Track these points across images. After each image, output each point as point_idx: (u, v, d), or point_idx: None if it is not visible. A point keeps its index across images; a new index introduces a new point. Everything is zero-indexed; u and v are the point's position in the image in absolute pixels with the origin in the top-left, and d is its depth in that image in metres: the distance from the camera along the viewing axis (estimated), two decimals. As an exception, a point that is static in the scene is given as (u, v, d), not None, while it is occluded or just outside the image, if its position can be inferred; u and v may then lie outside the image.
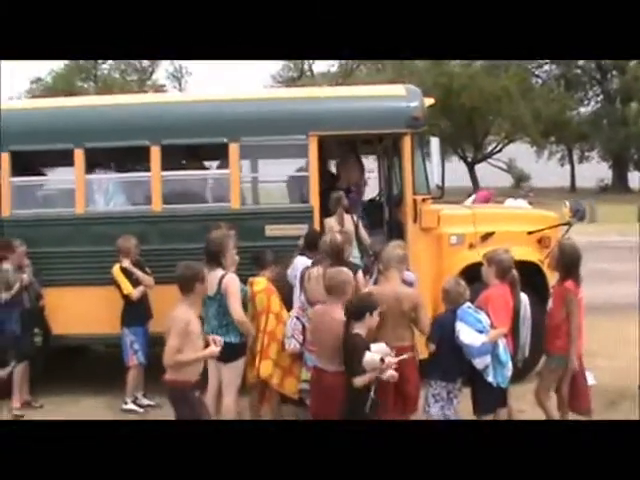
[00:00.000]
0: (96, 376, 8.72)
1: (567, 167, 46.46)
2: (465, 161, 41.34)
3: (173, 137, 8.45)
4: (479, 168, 41.54)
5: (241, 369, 6.75)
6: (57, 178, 9.19)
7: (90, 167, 8.84)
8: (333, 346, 5.94)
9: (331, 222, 8.12)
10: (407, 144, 8.38)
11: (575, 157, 46.44)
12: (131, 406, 8.13)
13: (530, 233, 8.83)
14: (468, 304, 6.52)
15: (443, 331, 6.39)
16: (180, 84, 56.57)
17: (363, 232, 8.39)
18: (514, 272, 6.70)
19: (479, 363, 6.25)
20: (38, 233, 8.51)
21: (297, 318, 6.90)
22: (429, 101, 8.72)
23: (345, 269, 6.31)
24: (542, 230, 8.87)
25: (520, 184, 13.43)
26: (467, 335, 6.22)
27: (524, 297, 6.85)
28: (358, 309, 5.81)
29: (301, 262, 7.27)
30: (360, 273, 6.93)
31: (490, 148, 42.55)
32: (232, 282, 6.67)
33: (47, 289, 8.50)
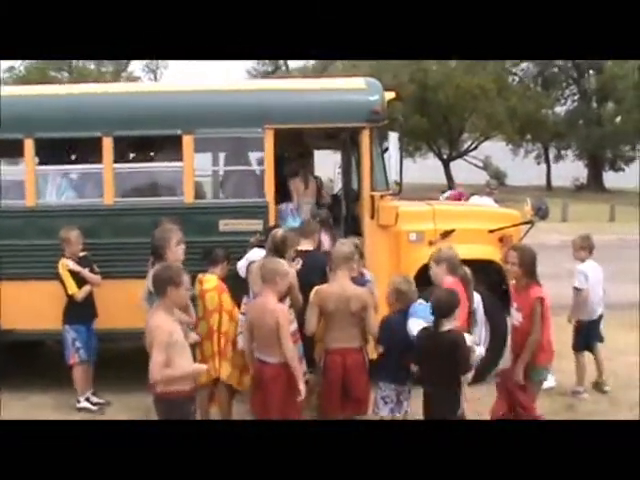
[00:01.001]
0: (45, 373, 8.46)
1: (543, 165, 46.52)
2: (440, 158, 41.24)
3: (126, 129, 8.22)
4: (455, 165, 41.48)
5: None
6: (6, 169, 8.89)
7: (42, 158, 8.63)
8: (270, 337, 5.89)
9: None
10: (366, 139, 8.19)
11: (551, 156, 46.49)
12: (85, 404, 7.97)
13: (491, 231, 8.66)
14: (420, 301, 6.37)
15: (392, 332, 6.22)
16: (155, 76, 56.01)
17: None
18: (466, 270, 6.52)
19: None
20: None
21: (243, 314, 6.74)
22: (390, 95, 8.51)
23: (280, 260, 6.27)
24: (503, 228, 8.69)
25: (487, 181, 13.33)
26: (417, 327, 5.99)
27: (477, 297, 6.67)
28: (448, 306, 5.69)
29: (251, 255, 7.11)
30: (371, 285, 6.83)
31: (466, 145, 42.49)
32: None
33: (-4, 283, 8.28)
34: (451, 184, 38.10)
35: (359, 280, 6.83)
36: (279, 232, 6.89)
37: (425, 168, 43.66)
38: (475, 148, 41.88)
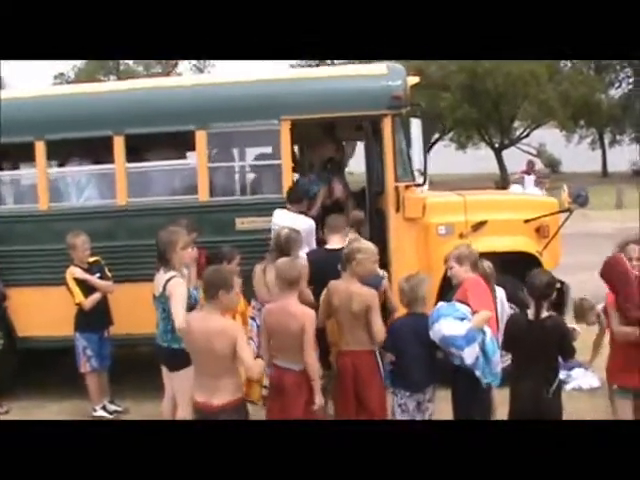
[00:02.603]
0: (65, 380, 8.20)
1: (598, 151, 45.31)
2: (492, 147, 40.37)
3: (137, 126, 7.90)
4: (507, 154, 40.59)
5: (191, 377, 6.17)
6: (18, 173, 8.69)
7: (55, 160, 8.39)
8: (294, 344, 5.51)
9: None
10: (388, 127, 7.73)
11: (606, 141, 45.21)
12: (100, 412, 7.73)
13: (527, 221, 8.12)
14: (440, 303, 5.91)
15: (399, 339, 5.79)
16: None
17: None
18: (487, 264, 6.06)
19: (468, 355, 5.44)
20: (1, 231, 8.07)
21: (252, 319, 6.39)
22: (413, 80, 8.03)
23: (298, 260, 5.95)
24: (540, 218, 8.14)
25: (534, 169, 12.71)
26: (447, 327, 5.47)
27: (500, 291, 6.22)
28: (548, 288, 5.25)
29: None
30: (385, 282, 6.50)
31: (518, 133, 41.53)
32: (176, 286, 6.12)
33: (11, 289, 8.07)
34: (503, 174, 37.43)
35: (372, 279, 6.41)
36: (284, 231, 6.55)
37: (476, 159, 43.03)
38: (527, 136, 40.86)
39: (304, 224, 7.34)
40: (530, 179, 11.74)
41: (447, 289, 6.63)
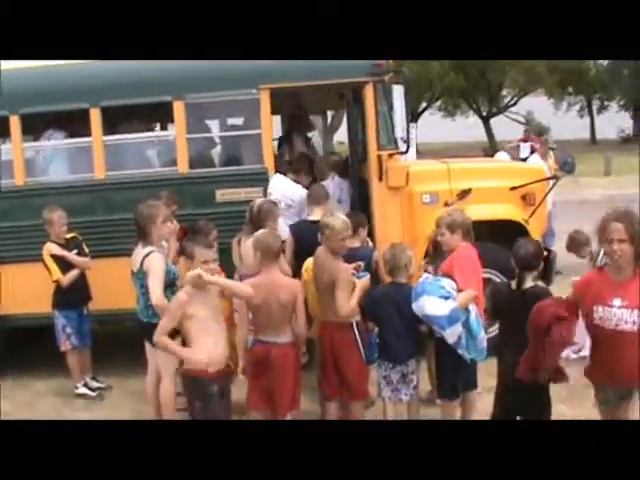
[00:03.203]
0: (47, 358, 8.07)
1: (587, 118, 45.11)
2: (480, 115, 40.16)
3: (113, 98, 7.72)
4: (496, 122, 40.38)
5: None
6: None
7: (31, 135, 8.21)
8: (282, 317, 5.43)
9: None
10: (369, 94, 7.57)
11: (594, 108, 45.02)
12: (83, 390, 7.64)
13: (513, 189, 7.99)
14: (425, 275, 5.78)
15: (379, 308, 5.71)
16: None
17: None
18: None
19: (451, 335, 5.38)
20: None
21: None
22: (395, 46, 7.85)
23: (273, 231, 5.82)
24: (526, 185, 8.01)
25: (543, 136, 12.56)
26: (431, 305, 5.36)
27: None
28: (534, 258, 5.10)
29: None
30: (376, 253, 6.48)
31: (505, 101, 41.29)
32: (153, 261, 6.02)
33: (-8, 267, 7.91)
34: (492, 141, 37.28)
35: (362, 250, 6.31)
36: (256, 202, 6.48)
37: (465, 127, 42.84)
38: (515, 104, 40.64)
39: (296, 193, 7.38)
40: (526, 146, 11.56)
41: (433, 257, 6.57)
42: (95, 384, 7.71)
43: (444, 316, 5.33)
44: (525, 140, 12.65)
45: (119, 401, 7.44)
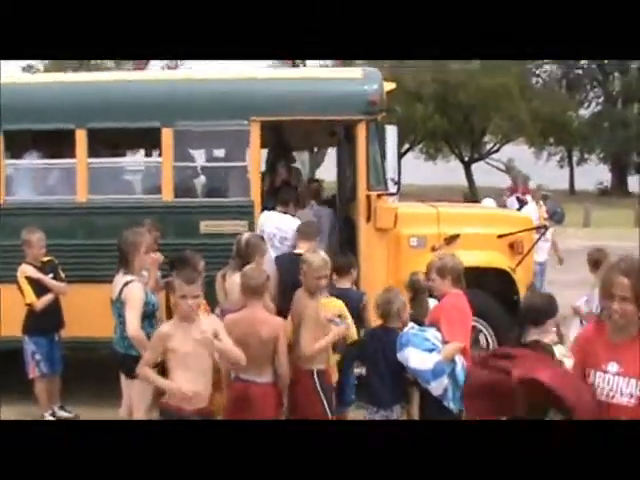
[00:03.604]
0: (16, 384, 7.76)
1: (566, 169, 45.53)
2: (462, 160, 40.39)
3: (100, 120, 7.55)
4: (476, 168, 40.62)
5: (149, 386, 5.86)
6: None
7: (11, 152, 8.00)
8: (262, 355, 5.21)
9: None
10: (362, 132, 7.46)
11: (574, 159, 45.49)
12: (49, 419, 7.31)
13: (500, 236, 7.89)
14: (411, 324, 5.62)
15: (366, 349, 5.58)
16: (175, 76, 55.44)
17: None
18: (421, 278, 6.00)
19: (435, 388, 5.23)
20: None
21: None
22: (390, 85, 7.77)
23: (259, 267, 5.61)
24: (514, 233, 7.91)
25: (538, 186, 12.55)
26: (415, 358, 5.21)
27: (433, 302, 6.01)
28: (542, 313, 4.75)
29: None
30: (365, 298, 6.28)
31: (488, 147, 41.58)
32: (132, 291, 5.81)
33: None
34: (472, 186, 37.45)
35: (352, 292, 6.21)
36: (244, 236, 6.34)
37: (445, 170, 43.01)
38: (497, 150, 40.93)
39: (289, 226, 7.22)
40: (512, 201, 11.44)
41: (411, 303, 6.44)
42: (63, 413, 7.43)
43: (428, 370, 5.20)
44: (513, 190, 12.48)
45: (86, 433, 7.16)
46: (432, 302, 6.23)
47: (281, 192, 7.89)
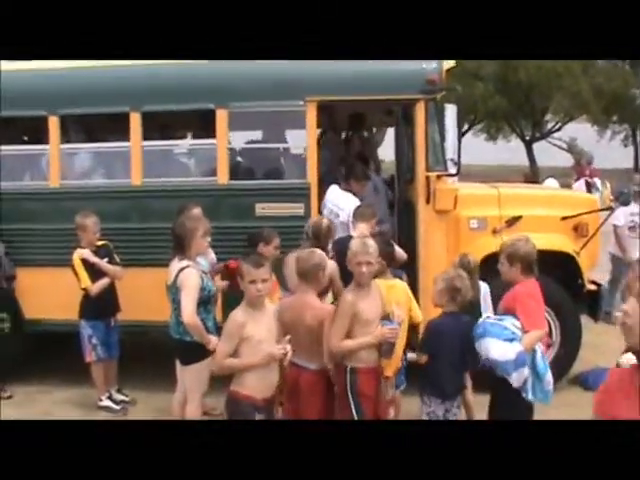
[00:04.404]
0: (72, 366, 7.79)
1: (631, 148, 44.41)
2: (523, 140, 39.64)
3: (155, 103, 7.48)
4: (538, 147, 39.87)
5: (203, 373, 5.79)
6: (24, 148, 8.30)
7: (68, 136, 7.99)
8: (311, 341, 5.06)
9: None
10: (420, 112, 7.25)
11: (639, 138, 44.34)
12: (106, 403, 7.36)
13: (564, 218, 7.62)
14: (487, 314, 5.42)
15: (440, 338, 5.29)
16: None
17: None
18: (472, 260, 5.90)
19: (517, 379, 5.01)
20: (9, 209, 7.68)
21: None
22: (449, 63, 7.52)
23: (318, 251, 5.38)
24: (578, 215, 7.64)
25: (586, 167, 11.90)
26: (496, 349, 4.99)
27: (484, 287, 6.00)
28: None
29: None
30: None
31: (549, 126, 40.71)
32: (188, 277, 5.73)
33: (20, 269, 7.76)
34: (533, 166, 36.77)
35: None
36: (325, 221, 6.28)
37: (506, 150, 42.35)
38: (559, 129, 40.09)
39: (348, 203, 7.18)
40: (580, 184, 10.92)
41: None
42: (120, 397, 7.44)
43: (510, 360, 4.96)
44: (580, 173, 11.90)
45: (142, 417, 7.13)
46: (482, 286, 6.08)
47: (348, 167, 7.85)
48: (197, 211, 6.63)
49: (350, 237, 6.35)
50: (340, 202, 7.28)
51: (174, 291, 5.79)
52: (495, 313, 5.51)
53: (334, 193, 7.46)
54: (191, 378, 5.80)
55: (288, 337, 4.90)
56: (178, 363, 6.01)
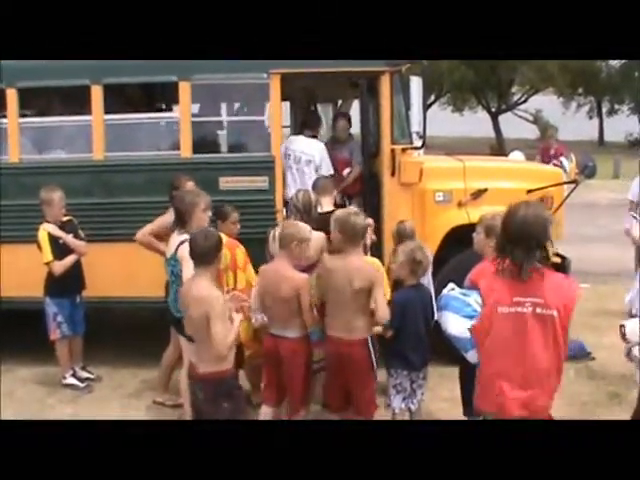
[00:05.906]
0: (34, 344, 7.68)
1: (595, 120, 44.73)
2: (489, 111, 39.78)
3: (116, 75, 7.34)
4: (504, 119, 40.01)
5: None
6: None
7: (26, 110, 7.83)
8: (286, 309, 5.19)
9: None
10: (386, 85, 7.22)
11: (604, 110, 44.61)
12: (71, 380, 7.30)
13: (530, 191, 7.61)
14: (451, 285, 5.39)
15: (404, 313, 5.32)
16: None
17: None
18: (408, 225, 6.15)
19: (472, 357, 4.91)
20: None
21: None
22: (414, 36, 7.47)
23: (299, 223, 5.46)
24: (544, 188, 7.64)
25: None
26: (454, 324, 4.93)
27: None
28: None
29: None
30: None
31: (515, 98, 40.89)
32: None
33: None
34: (499, 138, 36.92)
35: None
36: (311, 193, 6.22)
37: (473, 122, 42.45)
38: (525, 101, 40.28)
39: (317, 148, 7.58)
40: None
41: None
42: (84, 374, 7.38)
43: (467, 338, 4.92)
44: (544, 149, 11.72)
45: (107, 394, 7.09)
46: None
47: (308, 117, 7.98)
48: (191, 184, 6.55)
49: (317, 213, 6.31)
50: (309, 149, 7.52)
51: (173, 263, 5.80)
52: (460, 287, 5.48)
53: (300, 141, 7.62)
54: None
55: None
56: (182, 339, 5.84)
